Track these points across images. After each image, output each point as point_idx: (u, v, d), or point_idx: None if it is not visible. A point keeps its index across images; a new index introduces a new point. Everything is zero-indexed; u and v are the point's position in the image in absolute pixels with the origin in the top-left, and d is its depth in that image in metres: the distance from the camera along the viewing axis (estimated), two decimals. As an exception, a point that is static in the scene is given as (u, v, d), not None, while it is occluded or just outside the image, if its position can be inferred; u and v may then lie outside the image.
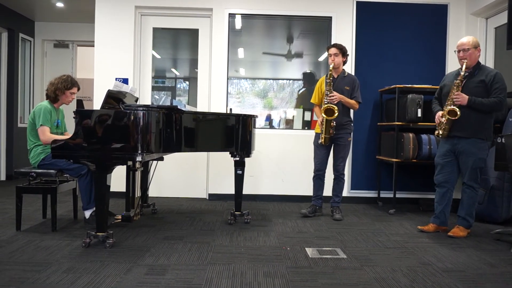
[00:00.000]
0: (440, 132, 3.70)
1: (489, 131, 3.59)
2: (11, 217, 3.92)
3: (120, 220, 3.84)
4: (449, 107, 3.57)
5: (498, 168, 3.49)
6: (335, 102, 4.11)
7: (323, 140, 4.20)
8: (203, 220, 4.11)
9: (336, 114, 4.04)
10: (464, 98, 3.54)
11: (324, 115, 4.08)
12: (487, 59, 4.95)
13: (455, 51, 3.72)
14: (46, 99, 3.82)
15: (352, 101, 4.24)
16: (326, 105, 4.09)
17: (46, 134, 3.60)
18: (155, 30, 5.39)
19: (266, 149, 5.21)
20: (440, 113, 3.70)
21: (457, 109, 3.54)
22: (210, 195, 5.28)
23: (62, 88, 3.73)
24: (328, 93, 4.13)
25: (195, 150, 3.69)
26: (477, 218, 4.12)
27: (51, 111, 3.71)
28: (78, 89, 3.89)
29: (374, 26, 5.22)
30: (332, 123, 4.13)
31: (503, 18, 4.66)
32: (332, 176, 4.38)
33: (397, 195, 4.77)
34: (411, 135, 4.58)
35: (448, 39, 5.21)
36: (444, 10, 5.23)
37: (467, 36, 3.70)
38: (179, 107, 3.43)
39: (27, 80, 6.95)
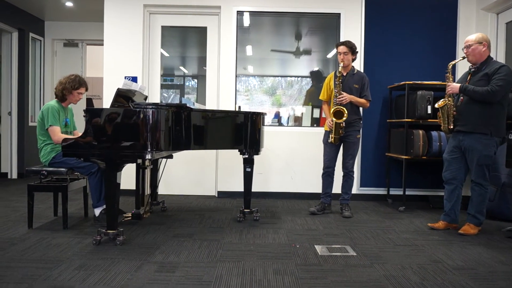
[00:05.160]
0: (441, 127, 3.76)
1: (497, 127, 3.51)
2: (23, 215, 3.97)
3: (130, 218, 3.86)
4: (439, 101, 3.69)
5: (510, 165, 3.45)
6: (345, 103, 4.10)
7: (332, 139, 4.19)
8: (212, 218, 4.12)
9: (345, 117, 4.04)
10: (454, 86, 3.59)
11: (334, 118, 4.08)
12: (498, 54, 4.89)
13: (462, 49, 3.70)
14: (55, 98, 3.85)
15: (362, 100, 4.22)
16: (335, 108, 4.09)
17: (57, 134, 3.63)
18: (164, 28, 5.41)
19: (275, 146, 5.21)
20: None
21: (446, 100, 3.66)
22: (219, 192, 5.29)
23: (69, 88, 3.75)
24: (337, 94, 4.12)
25: (204, 148, 3.69)
26: (488, 215, 4.08)
27: (59, 110, 3.74)
28: (86, 89, 3.90)
29: (383, 22, 5.18)
30: (341, 124, 4.12)
31: (514, 13, 4.60)
32: (341, 174, 4.37)
33: (407, 192, 4.74)
34: (420, 132, 4.55)
35: (458, 34, 5.15)
36: (454, 6, 5.17)
37: (474, 33, 3.69)
38: (188, 105, 3.44)
39: (37, 79, 7.02)
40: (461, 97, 3.63)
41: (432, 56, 5.17)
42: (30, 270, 2.60)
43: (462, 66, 3.82)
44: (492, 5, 4.87)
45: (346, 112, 4.05)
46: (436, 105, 3.70)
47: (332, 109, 4.12)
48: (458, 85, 3.56)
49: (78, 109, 4.26)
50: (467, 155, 3.62)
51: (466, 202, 3.79)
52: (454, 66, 3.73)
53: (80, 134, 3.12)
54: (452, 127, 3.69)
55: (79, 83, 3.80)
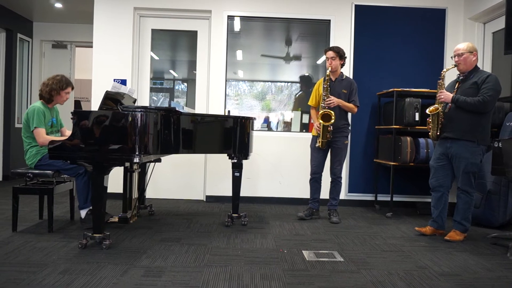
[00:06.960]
0: (429, 133, 3.78)
1: (483, 135, 3.57)
2: (7, 218, 3.90)
3: (116, 221, 3.83)
4: (431, 107, 3.71)
5: (495, 173, 3.49)
6: (333, 107, 4.13)
7: (320, 144, 4.21)
8: (200, 222, 4.10)
9: (332, 120, 4.06)
10: (447, 95, 3.62)
11: (321, 121, 4.10)
12: (485, 63, 4.97)
13: (451, 57, 3.75)
14: (40, 100, 3.81)
15: (350, 105, 4.25)
16: (323, 111, 4.11)
17: (43, 136, 3.60)
18: (154, 31, 5.39)
19: (263, 151, 5.21)
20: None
21: (438, 106, 3.67)
22: (207, 197, 5.27)
23: (57, 88, 3.73)
24: (325, 98, 4.15)
25: (192, 152, 3.68)
26: (474, 222, 4.13)
27: (44, 111, 3.70)
28: (72, 88, 3.90)
29: (372, 30, 5.23)
30: (329, 128, 4.14)
31: (500, 23, 4.67)
32: (329, 179, 4.38)
33: (394, 199, 4.77)
34: (408, 138, 4.59)
35: (446, 43, 5.22)
36: (442, 15, 5.25)
37: (463, 42, 3.74)
38: (177, 108, 3.43)
39: (24, 80, 6.94)
40: (449, 104, 3.68)
41: (420, 64, 5.23)
42: (13, 274, 2.55)
43: (449, 74, 3.86)
44: (479, 15, 4.95)
45: (334, 115, 4.07)
46: (428, 111, 3.71)
47: (320, 112, 4.14)
48: (451, 95, 3.60)
49: (66, 111, 4.21)
50: (454, 162, 3.66)
51: (452, 208, 3.82)
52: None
53: (68, 131, 3.08)
54: (439, 133, 3.73)
55: (66, 83, 3.79)
